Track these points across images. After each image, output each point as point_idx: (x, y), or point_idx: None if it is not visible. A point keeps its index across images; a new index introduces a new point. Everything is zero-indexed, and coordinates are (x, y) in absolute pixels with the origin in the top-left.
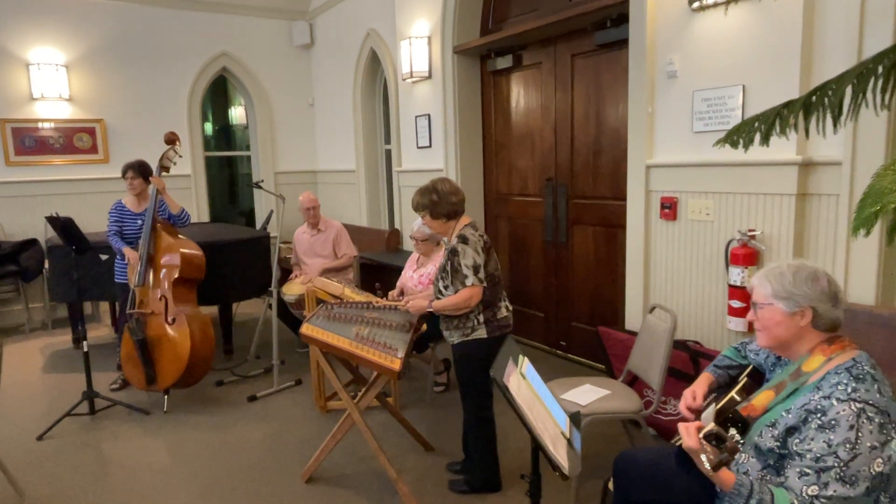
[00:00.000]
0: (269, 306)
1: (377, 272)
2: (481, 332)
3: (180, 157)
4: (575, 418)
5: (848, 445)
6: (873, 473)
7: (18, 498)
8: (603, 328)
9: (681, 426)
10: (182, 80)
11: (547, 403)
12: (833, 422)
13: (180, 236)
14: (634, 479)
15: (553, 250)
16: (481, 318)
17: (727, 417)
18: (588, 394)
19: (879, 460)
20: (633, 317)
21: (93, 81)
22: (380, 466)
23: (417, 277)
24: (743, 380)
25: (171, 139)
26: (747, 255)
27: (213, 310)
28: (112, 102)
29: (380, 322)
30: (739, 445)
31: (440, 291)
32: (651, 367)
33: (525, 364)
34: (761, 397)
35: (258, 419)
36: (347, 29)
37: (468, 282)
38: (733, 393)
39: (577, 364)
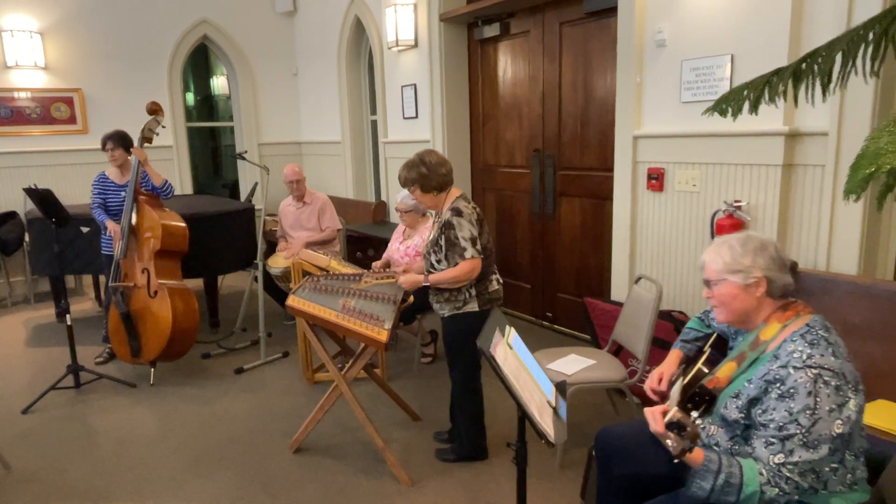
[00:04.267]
0: (255, 279)
1: (363, 244)
2: (473, 306)
3: (163, 127)
4: (561, 387)
5: (808, 412)
6: (834, 435)
7: (4, 470)
8: (589, 299)
9: (646, 412)
10: (162, 48)
11: (533, 373)
12: (792, 390)
13: (165, 209)
14: (616, 454)
15: (540, 222)
16: (473, 291)
17: (694, 393)
18: (573, 363)
19: (839, 422)
20: (618, 288)
21: (69, 49)
22: (367, 437)
23: (404, 249)
24: (707, 351)
25: (154, 109)
26: (733, 225)
27: (198, 283)
28: (90, 71)
29: (367, 294)
30: (701, 430)
31: (432, 266)
32: (636, 337)
33: (511, 334)
34: (724, 369)
35: (245, 391)
36: None
37: (467, 254)
38: (699, 366)
39: (563, 334)
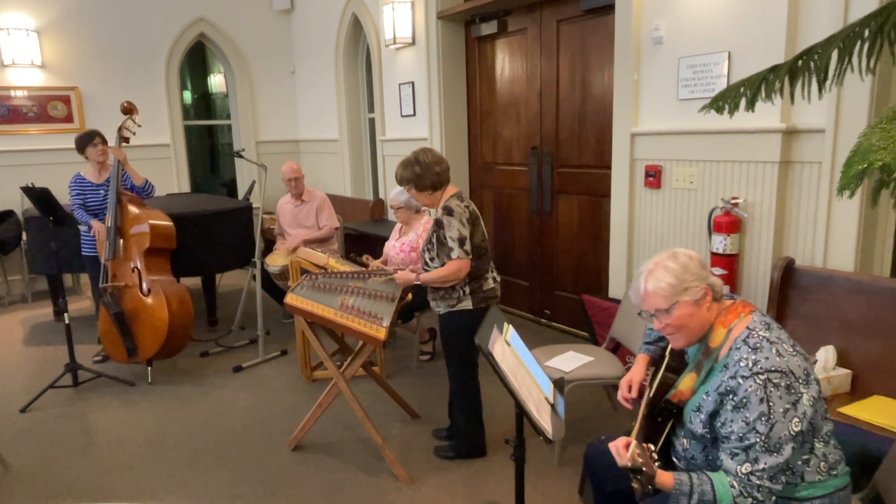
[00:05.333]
0: (253, 277)
1: (362, 242)
2: (467, 304)
3: (139, 126)
4: (559, 384)
5: (763, 418)
6: (793, 434)
7: (3, 469)
8: (587, 296)
9: (611, 447)
10: (159, 47)
11: (531, 370)
12: (745, 400)
13: (149, 207)
14: (606, 471)
15: (538, 219)
16: (467, 289)
17: (661, 408)
18: (572, 360)
19: (796, 420)
20: (616, 285)
21: (66, 47)
22: (366, 434)
23: (399, 246)
24: (667, 356)
25: (129, 109)
26: (730, 222)
27: (196, 281)
28: (87, 69)
29: (365, 291)
30: (656, 465)
31: (427, 263)
32: (634, 333)
33: (510, 331)
34: (686, 381)
35: (244, 389)
36: None
37: (454, 255)
38: (661, 373)
39: (562, 332)
